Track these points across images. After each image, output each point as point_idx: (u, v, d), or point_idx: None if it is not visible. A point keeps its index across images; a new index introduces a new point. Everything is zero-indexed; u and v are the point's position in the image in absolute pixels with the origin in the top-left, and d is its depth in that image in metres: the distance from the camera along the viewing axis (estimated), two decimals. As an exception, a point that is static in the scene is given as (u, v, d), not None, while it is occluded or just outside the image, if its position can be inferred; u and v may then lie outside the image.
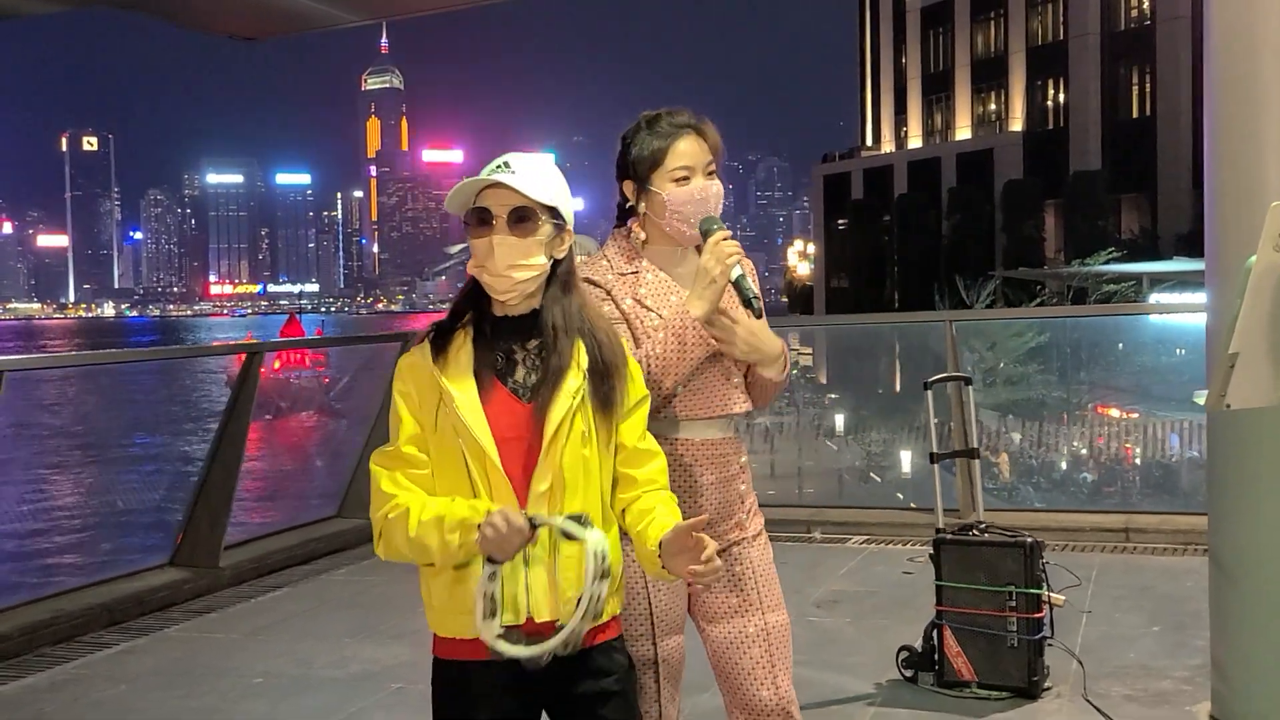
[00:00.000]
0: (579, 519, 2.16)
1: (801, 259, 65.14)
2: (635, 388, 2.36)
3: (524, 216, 2.24)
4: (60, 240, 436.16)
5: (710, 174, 2.71)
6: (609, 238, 2.82)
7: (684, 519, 2.55)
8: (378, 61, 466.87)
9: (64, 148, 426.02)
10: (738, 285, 2.62)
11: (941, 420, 7.44)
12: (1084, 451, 15.31)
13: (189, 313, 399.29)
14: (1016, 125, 47.16)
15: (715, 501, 2.74)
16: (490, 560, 2.16)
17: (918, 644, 4.64)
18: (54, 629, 5.65)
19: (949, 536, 4.58)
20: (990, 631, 4.44)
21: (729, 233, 2.65)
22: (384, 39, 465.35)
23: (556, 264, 2.30)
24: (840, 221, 52.36)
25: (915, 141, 51.90)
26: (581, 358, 2.27)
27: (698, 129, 2.71)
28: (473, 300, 2.30)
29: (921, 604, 5.16)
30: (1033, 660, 4.40)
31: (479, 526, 2.14)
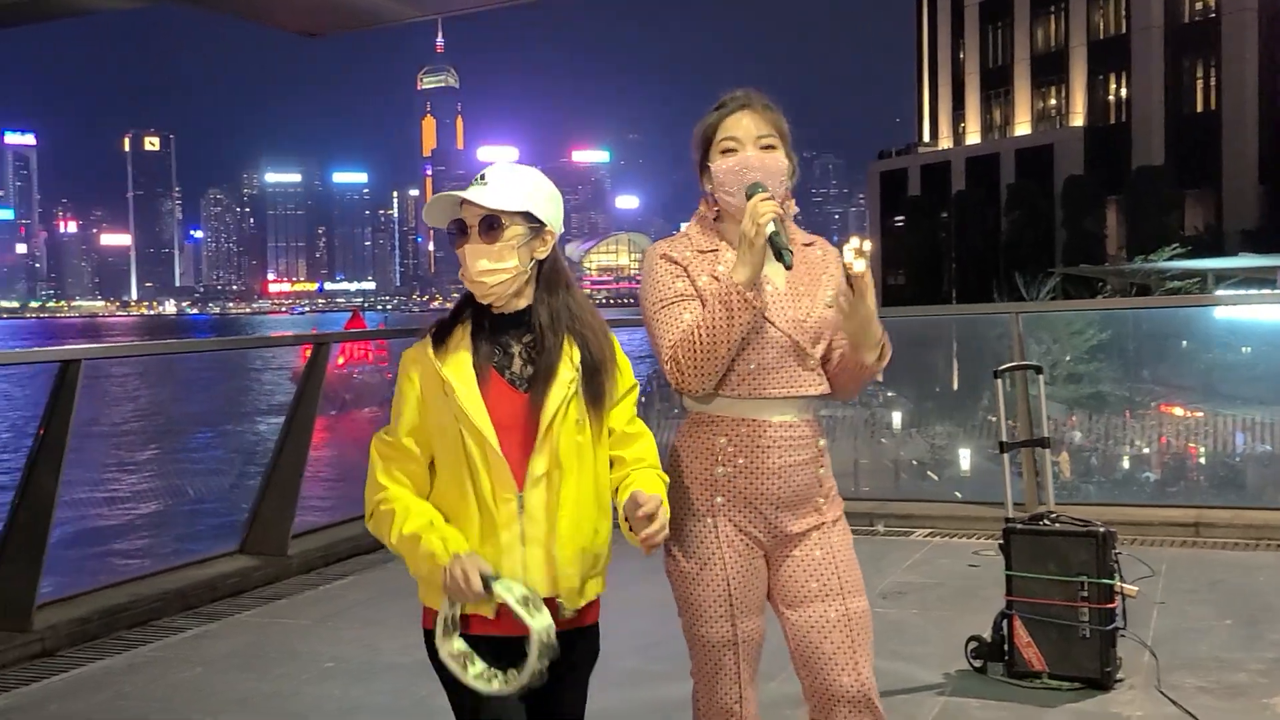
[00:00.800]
0: (530, 600, 2.28)
1: (858, 256, 64.76)
2: (625, 379, 2.52)
3: (492, 225, 2.40)
4: (123, 239, 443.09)
5: (765, 148, 2.71)
6: (693, 217, 2.84)
7: (761, 500, 2.58)
8: (434, 61, 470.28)
9: (126, 148, 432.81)
10: (771, 241, 2.58)
11: (1010, 421, 7.38)
12: (1146, 450, 15.12)
13: (248, 310, 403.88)
14: (1077, 120, 46.61)
15: (793, 485, 2.72)
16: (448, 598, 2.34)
17: (986, 634, 4.62)
18: (131, 613, 5.77)
19: (1019, 526, 4.55)
20: (1061, 622, 4.40)
21: (769, 194, 2.62)
22: (440, 38, 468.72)
23: (541, 264, 2.46)
24: (897, 219, 52.03)
25: (974, 137, 51.45)
26: (574, 352, 2.43)
27: (752, 105, 2.74)
28: (471, 300, 2.46)
29: (988, 595, 5.14)
30: (1105, 651, 4.35)
31: (445, 568, 2.31)
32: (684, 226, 2.87)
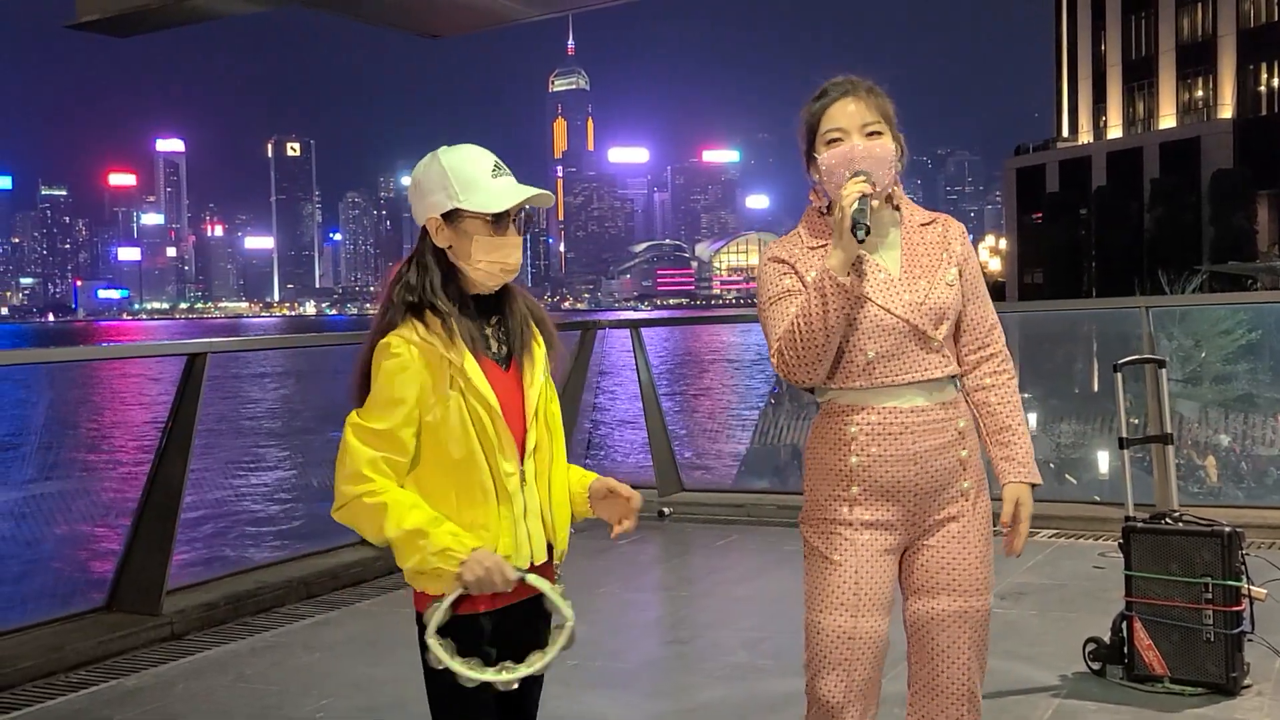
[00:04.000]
0: (561, 593, 2.40)
1: (993, 254, 63.52)
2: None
3: (527, 218, 2.50)
4: (266, 242, 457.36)
5: (871, 134, 2.66)
6: (805, 213, 2.81)
7: (899, 489, 2.65)
8: (565, 63, 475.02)
9: (269, 153, 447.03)
10: (852, 218, 2.54)
11: (1140, 419, 7.15)
12: (1301, 455, 14.51)
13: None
14: (1226, 112, 45.00)
15: (930, 471, 2.65)
16: (464, 588, 2.35)
17: (1106, 636, 4.48)
18: (256, 599, 5.96)
19: (1139, 525, 4.40)
20: (1184, 624, 4.24)
21: (864, 178, 2.58)
22: (571, 40, 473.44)
23: None
24: (1035, 215, 50.81)
25: (1115, 132, 50.02)
26: (536, 329, 2.55)
27: (856, 91, 2.68)
28: (443, 284, 2.45)
29: (1112, 598, 4.98)
30: (1231, 655, 4.18)
31: (464, 561, 2.32)
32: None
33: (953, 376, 2.69)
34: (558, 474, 2.52)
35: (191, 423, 5.59)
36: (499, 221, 2.43)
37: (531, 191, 2.45)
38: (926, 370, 2.64)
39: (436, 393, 2.37)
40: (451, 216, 2.43)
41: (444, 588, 2.39)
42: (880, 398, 2.64)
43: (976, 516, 2.70)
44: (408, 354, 2.37)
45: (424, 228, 2.48)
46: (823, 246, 2.69)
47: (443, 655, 2.36)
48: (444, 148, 2.50)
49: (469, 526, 2.38)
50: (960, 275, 2.71)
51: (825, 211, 2.73)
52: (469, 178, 2.42)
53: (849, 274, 2.56)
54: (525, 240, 2.49)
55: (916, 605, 2.71)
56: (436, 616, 2.36)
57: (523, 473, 2.43)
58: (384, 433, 2.35)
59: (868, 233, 2.53)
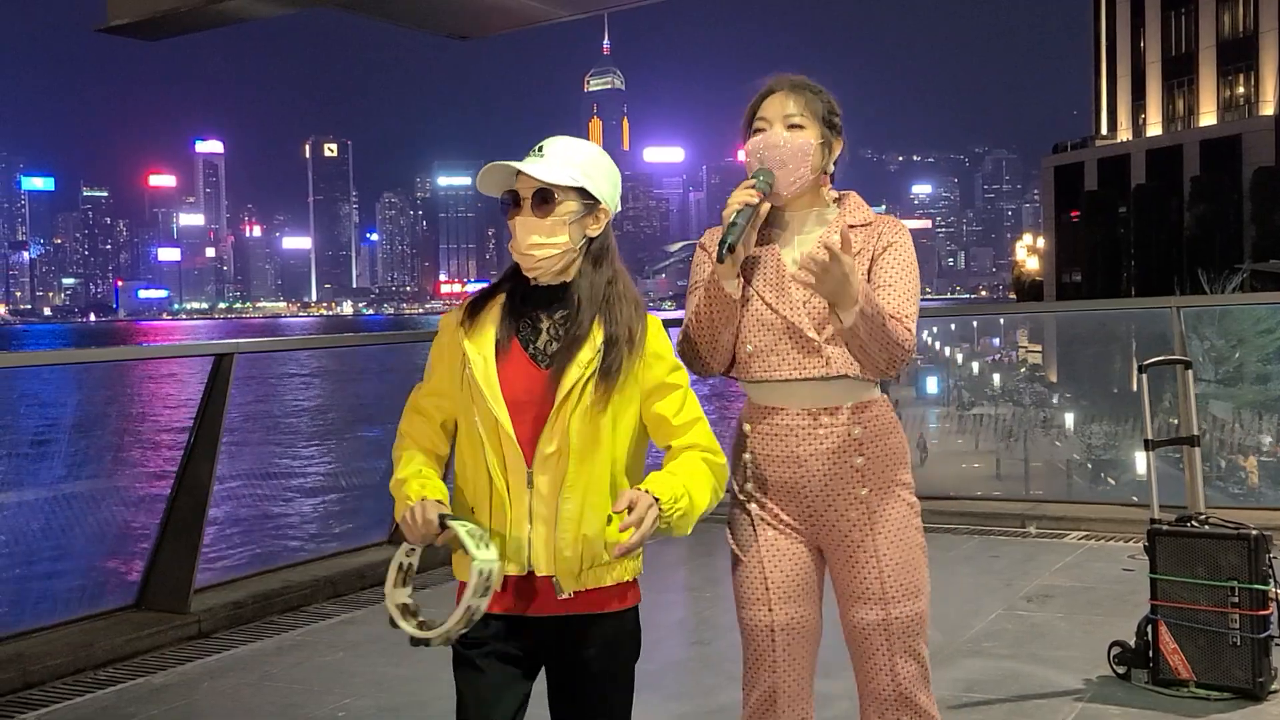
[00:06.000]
0: (479, 535, 2.25)
1: (1030, 253, 63.15)
2: (662, 365, 2.41)
3: (545, 198, 2.37)
4: (304, 242, 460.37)
5: (792, 126, 2.64)
6: None
7: (785, 488, 2.64)
8: (600, 63, 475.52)
9: (307, 154, 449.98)
10: (727, 231, 2.52)
11: (1178, 420, 7.08)
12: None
13: (420, 311, 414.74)
14: (1268, 109, 44.50)
15: (816, 475, 2.63)
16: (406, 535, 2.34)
17: (1131, 640, 4.43)
18: (283, 598, 6.00)
19: (1164, 528, 4.35)
20: (1210, 628, 4.20)
21: (755, 181, 2.58)
22: (606, 40, 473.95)
23: (591, 242, 2.43)
24: (1073, 214, 50.43)
25: (1154, 129, 49.57)
26: (599, 334, 2.37)
27: (783, 85, 2.69)
28: (518, 271, 2.44)
29: (1140, 600, 4.92)
30: (1257, 660, 4.13)
31: (408, 509, 2.32)
32: None
33: (838, 377, 2.60)
34: (576, 491, 2.33)
35: (219, 423, 5.63)
36: (514, 205, 2.40)
37: (492, 166, 2.39)
38: (802, 369, 2.61)
39: (453, 377, 2.42)
40: None
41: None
42: (769, 396, 2.66)
43: (888, 523, 2.64)
44: (442, 336, 2.48)
45: None
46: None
47: (394, 614, 2.32)
48: None
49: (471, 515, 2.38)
50: (871, 270, 2.63)
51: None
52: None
53: (736, 277, 2.58)
54: (509, 214, 2.39)
55: (842, 615, 2.72)
56: (391, 575, 2.34)
57: (531, 477, 2.33)
58: (417, 399, 2.50)
59: (731, 251, 2.50)
